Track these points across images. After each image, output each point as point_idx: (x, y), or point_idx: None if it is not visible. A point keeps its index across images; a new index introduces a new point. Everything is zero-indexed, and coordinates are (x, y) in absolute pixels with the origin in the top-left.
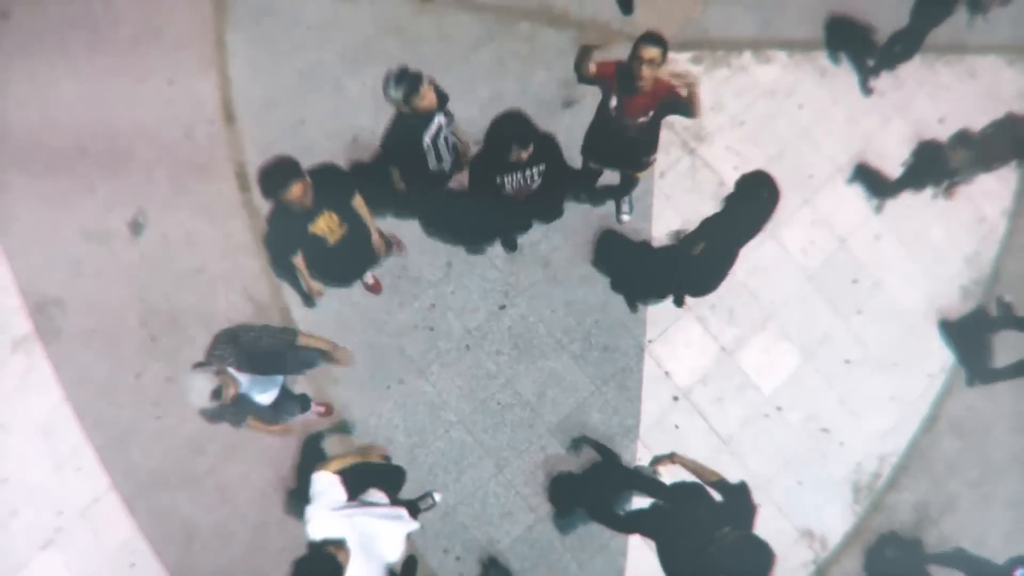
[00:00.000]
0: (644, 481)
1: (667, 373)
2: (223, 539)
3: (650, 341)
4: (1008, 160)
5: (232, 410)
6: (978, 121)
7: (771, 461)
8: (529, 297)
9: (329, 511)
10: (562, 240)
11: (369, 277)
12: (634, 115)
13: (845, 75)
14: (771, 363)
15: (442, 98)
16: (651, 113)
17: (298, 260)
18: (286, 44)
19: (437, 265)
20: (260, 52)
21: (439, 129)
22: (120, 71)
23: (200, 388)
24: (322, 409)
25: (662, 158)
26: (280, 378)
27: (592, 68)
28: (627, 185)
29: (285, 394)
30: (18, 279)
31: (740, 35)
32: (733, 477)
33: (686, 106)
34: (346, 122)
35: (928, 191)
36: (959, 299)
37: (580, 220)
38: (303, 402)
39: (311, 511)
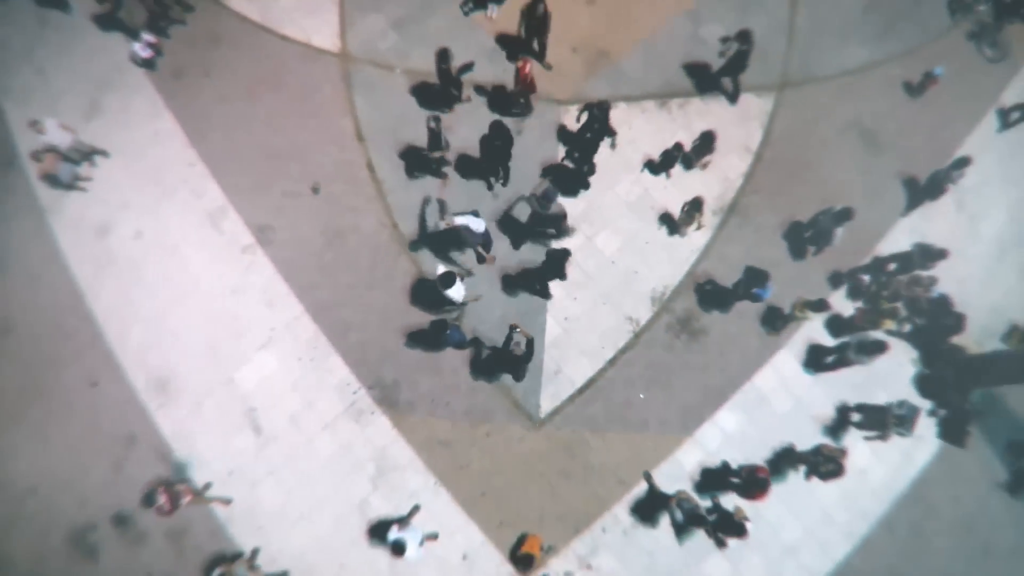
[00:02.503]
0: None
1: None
2: (367, 334)
3: None
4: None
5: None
6: (734, 129)
7: (610, 283)
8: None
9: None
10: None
11: (489, 258)
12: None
13: (657, 111)
14: (609, 244)
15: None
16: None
17: None
18: (388, 100)
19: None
20: (374, 106)
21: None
22: (292, 113)
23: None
24: (492, 257)
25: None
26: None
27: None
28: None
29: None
30: (243, 217)
31: (602, 95)
32: (594, 292)
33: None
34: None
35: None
36: (711, 216)
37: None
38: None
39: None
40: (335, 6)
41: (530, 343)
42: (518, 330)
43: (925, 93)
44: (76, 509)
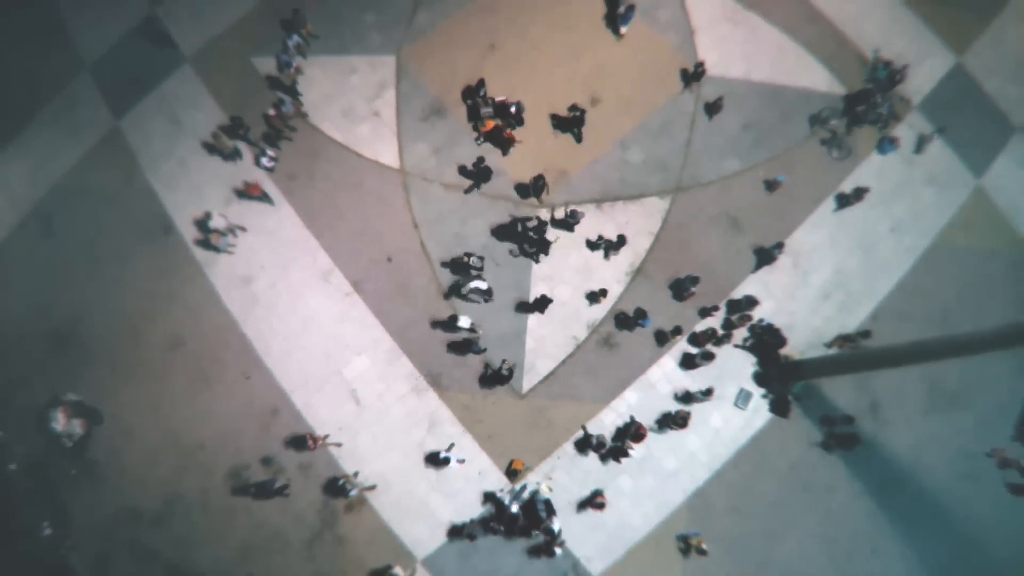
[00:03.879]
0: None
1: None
2: (423, 345)
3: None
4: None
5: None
6: (643, 220)
7: (563, 316)
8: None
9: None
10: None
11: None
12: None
13: (595, 211)
14: (563, 293)
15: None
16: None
17: None
18: (432, 202)
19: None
20: (424, 205)
21: None
22: (370, 209)
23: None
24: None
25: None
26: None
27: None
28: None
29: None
30: (344, 274)
31: (556, 201)
32: (554, 320)
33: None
34: (462, 230)
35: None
36: (625, 276)
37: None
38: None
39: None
40: (394, 137)
41: (511, 369)
42: (505, 360)
43: (776, 191)
44: (234, 456)
